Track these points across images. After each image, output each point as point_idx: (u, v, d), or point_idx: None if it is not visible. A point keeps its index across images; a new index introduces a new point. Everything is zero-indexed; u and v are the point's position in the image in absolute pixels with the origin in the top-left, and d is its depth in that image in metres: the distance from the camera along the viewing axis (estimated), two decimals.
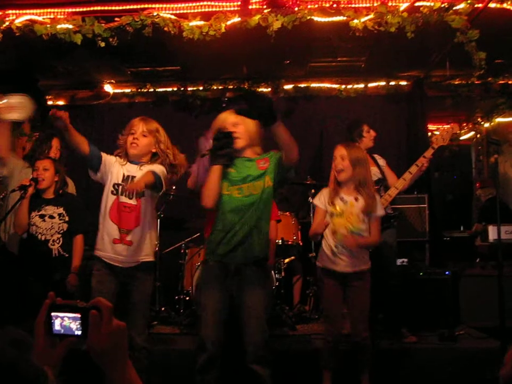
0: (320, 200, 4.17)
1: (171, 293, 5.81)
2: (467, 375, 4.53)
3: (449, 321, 5.28)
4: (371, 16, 5.16)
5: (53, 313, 1.39)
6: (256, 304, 3.53)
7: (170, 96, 7.48)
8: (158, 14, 5.24)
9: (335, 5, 5.22)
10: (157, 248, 4.07)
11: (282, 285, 5.69)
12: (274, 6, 5.20)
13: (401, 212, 5.81)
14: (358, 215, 4.02)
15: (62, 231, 4.56)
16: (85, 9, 5.37)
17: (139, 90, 7.45)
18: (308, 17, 5.16)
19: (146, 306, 3.94)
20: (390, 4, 5.23)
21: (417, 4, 5.19)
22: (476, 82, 6.78)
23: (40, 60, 6.24)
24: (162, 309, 5.72)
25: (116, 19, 5.26)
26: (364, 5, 5.25)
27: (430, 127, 7.95)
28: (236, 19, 5.23)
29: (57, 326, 1.39)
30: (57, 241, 4.49)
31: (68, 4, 5.40)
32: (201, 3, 5.32)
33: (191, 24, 5.23)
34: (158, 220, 5.41)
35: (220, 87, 7.37)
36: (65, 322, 1.38)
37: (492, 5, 5.14)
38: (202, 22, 5.23)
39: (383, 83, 7.31)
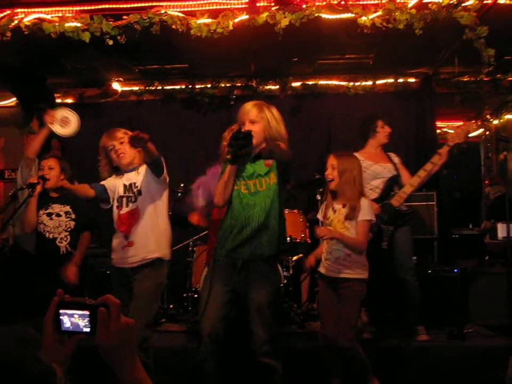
0: (319, 214, 4.31)
1: (179, 291, 5.82)
2: (476, 373, 4.51)
3: (458, 319, 5.25)
4: (379, 13, 5.13)
5: (61, 311, 1.39)
6: (262, 300, 3.54)
7: (178, 94, 7.49)
8: (165, 12, 5.24)
9: (343, 2, 5.19)
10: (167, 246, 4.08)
11: (290, 282, 5.69)
12: (282, 4, 5.19)
13: (415, 209, 5.79)
14: (343, 222, 4.05)
15: (69, 229, 4.59)
16: (93, 7, 5.38)
17: (147, 88, 7.46)
18: (316, 15, 5.15)
19: (147, 304, 3.88)
20: (398, 0, 5.20)
21: (425, 0, 5.16)
22: (485, 79, 6.74)
23: (49, 58, 6.26)
24: (171, 306, 5.73)
25: (124, 17, 5.26)
26: (372, 2, 5.23)
27: (439, 124, 7.91)
28: (244, 16, 5.22)
29: (65, 323, 1.39)
30: (65, 239, 4.51)
31: (76, 2, 5.40)
32: (209, 1, 5.32)
33: (198, 21, 5.22)
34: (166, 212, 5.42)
35: (228, 85, 7.37)
36: (74, 319, 1.39)
37: (501, 1, 5.11)
38: (210, 20, 5.22)
39: (391, 80, 7.28)
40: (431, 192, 6.19)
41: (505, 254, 5.01)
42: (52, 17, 5.38)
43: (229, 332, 3.65)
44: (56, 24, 5.28)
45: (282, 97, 7.30)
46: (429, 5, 5.09)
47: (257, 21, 5.17)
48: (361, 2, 5.22)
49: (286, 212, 5.72)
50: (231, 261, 3.59)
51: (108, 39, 5.28)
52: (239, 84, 7.36)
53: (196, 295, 5.54)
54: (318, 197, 6.03)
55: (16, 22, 5.34)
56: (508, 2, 5.14)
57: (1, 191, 7.78)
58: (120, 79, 7.35)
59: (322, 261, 4.18)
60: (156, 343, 4.19)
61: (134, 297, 3.83)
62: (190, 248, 5.84)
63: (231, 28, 5.21)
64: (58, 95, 7.54)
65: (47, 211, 4.59)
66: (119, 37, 5.27)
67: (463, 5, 5.05)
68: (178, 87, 7.45)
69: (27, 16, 5.37)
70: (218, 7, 5.31)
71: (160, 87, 7.44)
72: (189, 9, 5.34)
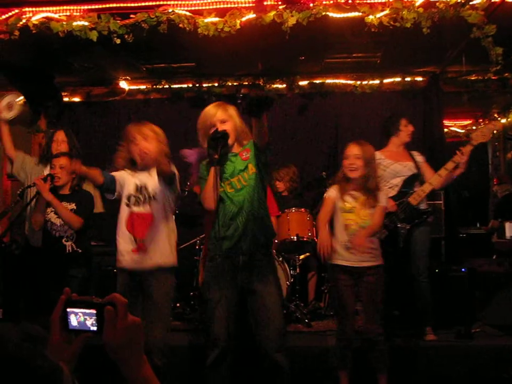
0: (331, 193, 4.20)
1: (186, 289, 5.83)
2: (483, 373, 4.50)
3: (466, 319, 5.24)
4: (386, 11, 5.12)
5: (68, 309, 1.40)
6: (268, 295, 3.56)
7: (185, 93, 7.49)
8: (173, 11, 5.24)
9: (350, 1, 5.18)
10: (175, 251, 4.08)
11: (297, 281, 5.70)
12: (289, 2, 5.18)
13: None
14: (367, 210, 4.06)
15: None
16: (100, 6, 5.38)
17: (154, 86, 7.47)
18: (323, 13, 5.14)
19: (168, 305, 3.96)
20: None
21: None
22: (493, 77, 6.72)
23: (56, 57, 6.27)
24: (178, 305, 5.74)
25: (131, 16, 5.27)
26: (379, 1, 5.21)
27: (446, 123, 7.90)
28: (251, 15, 5.22)
29: (72, 321, 1.40)
30: (71, 238, 4.50)
31: (83, 1, 5.41)
32: None
33: (206, 20, 5.22)
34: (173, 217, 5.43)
35: (235, 83, 7.38)
36: (81, 318, 1.39)
37: None
38: (217, 19, 5.22)
39: (398, 79, 7.27)
40: (439, 191, 6.17)
41: None
42: (60, 16, 5.40)
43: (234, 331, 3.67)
44: (64, 23, 5.30)
45: (289, 96, 7.31)
46: (437, 4, 5.08)
47: (265, 20, 5.17)
48: (368, 1, 5.20)
49: (293, 210, 5.75)
50: (231, 260, 3.61)
51: (115, 38, 5.29)
52: (246, 83, 7.36)
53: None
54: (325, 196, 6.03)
55: (24, 21, 5.36)
56: None
57: (9, 190, 7.80)
58: (128, 77, 7.36)
59: (340, 252, 4.10)
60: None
61: (154, 303, 3.84)
62: (197, 247, 5.85)
63: (238, 26, 5.21)
64: (65, 93, 7.55)
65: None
66: (126, 36, 5.28)
67: (470, 3, 5.03)
68: (185, 85, 7.46)
69: (35, 15, 5.39)
70: (225, 6, 5.31)
71: (167, 86, 7.45)
72: (196, 8, 5.34)
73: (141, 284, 3.89)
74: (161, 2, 5.32)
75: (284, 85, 7.33)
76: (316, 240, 5.73)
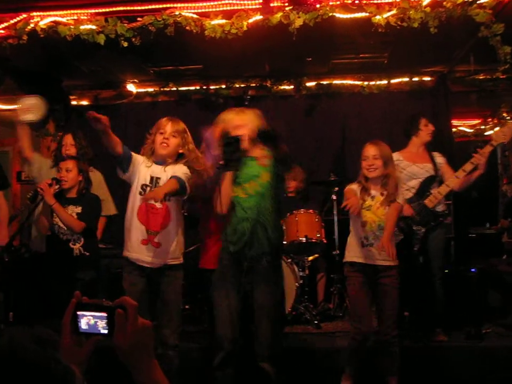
0: (353, 186, 4.21)
1: (194, 291, 5.83)
2: (494, 374, 4.47)
3: (476, 319, 5.22)
4: (393, 11, 5.10)
5: (79, 312, 1.40)
6: (265, 303, 3.57)
7: (193, 95, 7.49)
8: (180, 13, 5.25)
9: (357, 1, 5.18)
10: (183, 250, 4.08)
11: (306, 282, 5.69)
12: (296, 3, 5.18)
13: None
14: (384, 209, 4.06)
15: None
16: (107, 9, 5.40)
17: (162, 89, 7.48)
18: (330, 14, 5.13)
19: (178, 305, 3.97)
20: None
21: None
22: (501, 77, 6.68)
23: (64, 61, 6.30)
24: (186, 307, 5.74)
25: (138, 19, 5.29)
26: (386, 1, 5.19)
27: (455, 122, 7.86)
28: (258, 17, 5.22)
29: (83, 324, 1.40)
30: (78, 241, 4.51)
31: (91, 5, 5.43)
32: (223, 1, 5.32)
33: (213, 22, 5.23)
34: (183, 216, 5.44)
35: (242, 85, 7.38)
36: (92, 321, 1.40)
37: None
38: (224, 21, 5.23)
39: (406, 79, 7.24)
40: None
41: None
42: (67, 20, 5.42)
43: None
44: (72, 26, 5.32)
45: (296, 97, 7.30)
46: (444, 3, 5.06)
47: (271, 21, 5.17)
48: (375, 1, 5.19)
49: (302, 211, 5.74)
50: (236, 264, 3.62)
51: (122, 41, 5.31)
52: (254, 84, 7.36)
53: None
54: (334, 197, 6.02)
55: (32, 25, 5.38)
56: None
57: (18, 193, 7.84)
58: (135, 80, 7.38)
59: (361, 251, 4.10)
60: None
61: (166, 300, 3.86)
62: None
63: (245, 28, 5.21)
64: (73, 97, 7.58)
65: None
66: (133, 39, 5.30)
67: (478, 2, 5.01)
68: (192, 88, 7.46)
69: (43, 20, 5.41)
70: (232, 7, 5.31)
71: (174, 88, 7.45)
72: (203, 10, 5.34)
73: (150, 280, 3.88)
74: (168, 5, 5.33)
75: (291, 86, 7.32)
76: (325, 241, 5.74)
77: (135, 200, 3.89)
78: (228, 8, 5.32)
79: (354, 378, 4.09)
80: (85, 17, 5.41)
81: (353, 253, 4.13)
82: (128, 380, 1.39)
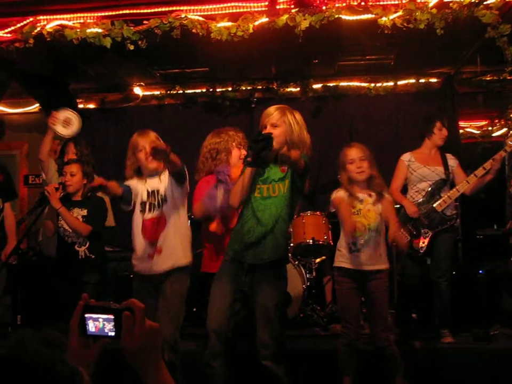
0: (340, 193, 4.17)
1: (202, 294, 5.82)
2: (501, 375, 4.46)
3: (483, 321, 5.19)
4: (400, 13, 5.10)
5: (86, 315, 1.40)
6: (266, 302, 3.56)
7: (199, 98, 7.51)
8: (186, 16, 5.27)
9: (363, 3, 5.17)
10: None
11: (313, 285, 5.68)
12: (302, 6, 5.18)
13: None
14: (374, 210, 4.04)
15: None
16: (113, 13, 5.42)
17: (168, 92, 7.50)
18: (336, 16, 5.13)
19: (177, 306, 3.96)
20: (418, 0, 5.16)
21: None
22: (508, 78, 6.66)
23: (71, 64, 6.32)
24: (194, 310, 5.74)
25: (145, 22, 5.30)
26: (392, 2, 5.19)
27: (461, 124, 7.84)
28: (264, 19, 5.22)
29: (91, 327, 1.40)
30: (84, 244, 4.52)
31: (97, 8, 5.45)
32: (229, 4, 5.33)
33: (219, 25, 5.23)
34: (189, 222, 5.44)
35: (249, 88, 7.39)
36: (99, 323, 1.40)
37: None
38: (230, 23, 5.24)
39: (412, 80, 7.23)
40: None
41: None
42: (74, 23, 5.44)
43: (237, 333, 3.69)
44: (78, 30, 5.34)
45: (303, 100, 7.29)
46: (450, 4, 5.05)
47: (277, 24, 5.17)
48: (381, 3, 5.19)
49: (309, 214, 5.73)
50: (238, 262, 3.62)
51: (128, 44, 5.33)
52: (260, 87, 7.37)
53: None
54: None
55: (38, 29, 5.41)
56: None
57: (25, 197, 7.86)
58: (142, 83, 7.40)
59: (349, 256, 4.08)
60: (180, 347, 4.20)
61: (164, 299, 3.89)
62: None
63: (251, 30, 5.22)
64: (80, 100, 7.61)
65: None
66: (140, 42, 5.32)
67: (485, 3, 5.00)
68: (199, 90, 7.47)
69: (49, 23, 5.43)
70: (238, 10, 5.32)
71: (181, 91, 7.47)
72: (209, 13, 5.35)
73: (156, 287, 3.92)
74: (174, 8, 5.34)
75: (298, 88, 7.32)
76: (332, 243, 5.72)
77: (137, 219, 4.03)
78: (234, 10, 5.33)
79: (353, 377, 4.08)
80: (91, 21, 5.43)
81: (341, 258, 4.14)
82: (135, 381, 1.39)
